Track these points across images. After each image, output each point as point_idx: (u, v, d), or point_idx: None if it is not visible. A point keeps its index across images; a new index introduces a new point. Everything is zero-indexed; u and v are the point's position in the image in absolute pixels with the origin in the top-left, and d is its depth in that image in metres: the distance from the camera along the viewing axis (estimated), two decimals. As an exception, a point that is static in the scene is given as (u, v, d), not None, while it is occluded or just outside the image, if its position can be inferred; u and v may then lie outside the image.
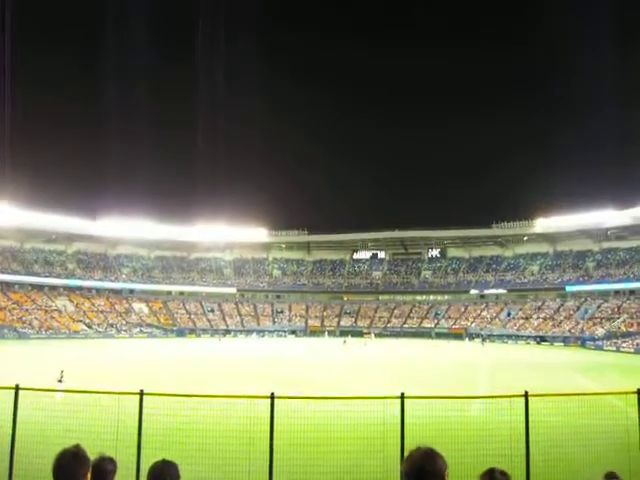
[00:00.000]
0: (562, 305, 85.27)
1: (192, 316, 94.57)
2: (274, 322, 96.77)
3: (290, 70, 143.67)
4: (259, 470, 8.90)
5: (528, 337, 79.27)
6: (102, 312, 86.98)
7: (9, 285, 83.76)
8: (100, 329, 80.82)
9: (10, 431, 9.25)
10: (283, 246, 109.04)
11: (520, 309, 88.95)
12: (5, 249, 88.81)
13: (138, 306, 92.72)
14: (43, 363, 36.10)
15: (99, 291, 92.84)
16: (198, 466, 8.58)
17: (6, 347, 52.84)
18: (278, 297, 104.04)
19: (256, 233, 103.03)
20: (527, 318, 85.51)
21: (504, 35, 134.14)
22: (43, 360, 39.07)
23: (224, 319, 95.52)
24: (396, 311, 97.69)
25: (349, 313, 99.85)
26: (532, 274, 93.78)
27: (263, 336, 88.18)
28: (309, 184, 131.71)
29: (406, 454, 2.83)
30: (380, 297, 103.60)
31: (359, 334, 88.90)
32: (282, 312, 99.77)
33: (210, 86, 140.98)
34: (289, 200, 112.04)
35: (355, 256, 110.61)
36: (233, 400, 9.93)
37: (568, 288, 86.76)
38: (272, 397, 8.93)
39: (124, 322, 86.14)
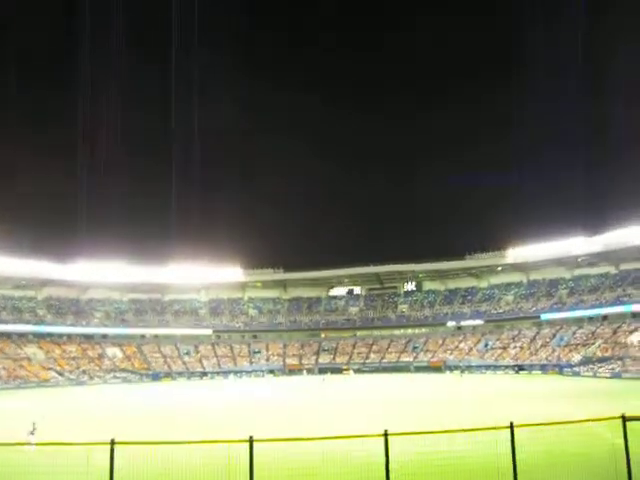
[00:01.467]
0: (538, 333, 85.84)
1: (167, 359, 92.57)
2: (251, 362, 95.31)
3: (259, 109, 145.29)
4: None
5: (506, 367, 79.39)
6: (74, 359, 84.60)
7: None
8: (72, 376, 78.43)
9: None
10: (259, 285, 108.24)
11: (497, 339, 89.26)
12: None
13: (112, 351, 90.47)
14: (13, 415, 34.74)
15: (71, 337, 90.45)
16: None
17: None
18: (255, 337, 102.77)
19: (231, 272, 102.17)
20: (504, 348, 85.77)
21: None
22: (13, 412, 37.61)
23: (200, 361, 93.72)
24: (374, 346, 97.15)
25: (327, 350, 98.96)
26: (507, 304, 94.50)
27: (241, 377, 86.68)
28: (283, 222, 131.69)
29: None
30: (358, 333, 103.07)
31: (338, 371, 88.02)
32: (259, 352, 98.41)
33: (184, 125, 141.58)
34: (264, 239, 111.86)
35: (331, 292, 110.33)
36: (210, 446, 9.54)
37: (543, 316, 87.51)
38: (251, 441, 8.59)
39: (97, 368, 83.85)
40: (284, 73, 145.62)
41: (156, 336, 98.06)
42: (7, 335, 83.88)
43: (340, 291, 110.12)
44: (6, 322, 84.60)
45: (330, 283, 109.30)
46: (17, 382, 71.44)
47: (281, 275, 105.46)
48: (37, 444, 15.40)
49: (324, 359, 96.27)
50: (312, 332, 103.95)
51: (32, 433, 20.48)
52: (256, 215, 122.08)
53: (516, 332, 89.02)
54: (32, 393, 59.69)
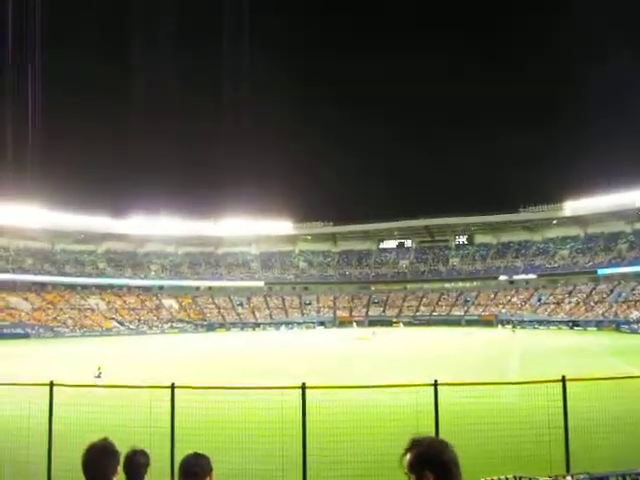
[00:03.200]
0: (594, 289, 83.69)
1: (221, 310, 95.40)
2: (302, 314, 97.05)
3: (309, 72, 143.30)
4: (292, 460, 8.86)
5: (560, 322, 78.03)
6: (133, 309, 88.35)
7: (43, 286, 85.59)
8: (132, 326, 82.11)
9: (47, 427, 9.36)
10: (309, 238, 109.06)
11: (551, 294, 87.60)
12: (37, 251, 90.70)
13: (168, 302, 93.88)
14: (83, 360, 36.83)
15: (130, 289, 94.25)
16: (231, 458, 8.56)
17: (44, 345, 54.01)
18: (306, 289, 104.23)
19: (282, 226, 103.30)
20: (558, 303, 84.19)
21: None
22: (82, 357, 39.86)
23: (253, 312, 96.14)
24: (424, 299, 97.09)
25: (377, 303, 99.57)
26: (562, 258, 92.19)
27: (292, 328, 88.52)
28: (333, 176, 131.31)
29: (410, 444, 2.57)
30: (408, 286, 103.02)
31: (388, 323, 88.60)
32: (310, 304, 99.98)
33: (234, 83, 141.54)
34: (314, 192, 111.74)
35: (381, 246, 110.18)
36: (264, 391, 9.90)
37: (600, 271, 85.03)
38: (303, 387, 8.86)
39: (155, 318, 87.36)
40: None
41: (210, 288, 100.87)
42: (72, 287, 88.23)
43: (390, 244, 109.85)
44: (70, 275, 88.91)
45: (380, 236, 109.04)
46: (83, 330, 75.38)
47: (331, 228, 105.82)
48: (104, 386, 16.37)
49: (374, 312, 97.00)
50: (362, 285, 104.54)
51: (98, 376, 21.66)
52: (306, 169, 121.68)
53: (571, 287, 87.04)
54: (97, 341, 62.86)
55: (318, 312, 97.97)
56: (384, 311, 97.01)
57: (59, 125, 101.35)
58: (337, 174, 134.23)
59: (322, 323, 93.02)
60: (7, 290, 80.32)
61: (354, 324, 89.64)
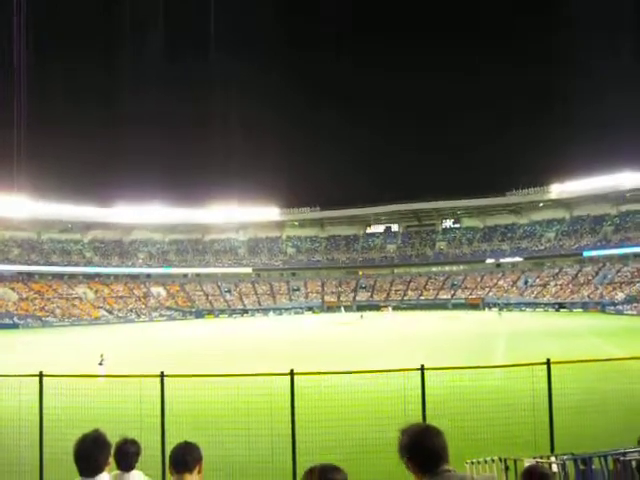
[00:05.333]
0: (580, 271, 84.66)
1: (209, 297, 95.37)
2: (291, 300, 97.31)
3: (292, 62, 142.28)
4: (282, 446, 8.97)
5: (546, 304, 78.93)
6: (121, 297, 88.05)
7: (30, 275, 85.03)
8: (120, 314, 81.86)
9: (38, 418, 9.40)
10: (296, 224, 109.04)
11: (537, 277, 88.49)
12: (24, 241, 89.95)
13: (156, 290, 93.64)
14: (80, 349, 36.92)
15: (117, 277, 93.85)
16: (221, 445, 8.65)
17: (33, 335, 53.75)
18: (293, 274, 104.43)
19: (269, 212, 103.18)
20: (545, 285, 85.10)
21: None
22: (79, 346, 39.89)
23: (241, 299, 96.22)
24: (412, 284, 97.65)
25: (365, 287, 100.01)
26: (548, 241, 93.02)
27: (280, 314, 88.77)
28: (319, 160, 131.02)
29: (404, 427, 2.78)
30: (395, 270, 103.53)
31: (376, 308, 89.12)
32: (298, 289, 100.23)
33: (222, 73, 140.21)
34: (300, 178, 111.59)
35: (368, 230, 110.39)
36: (253, 378, 9.98)
37: (586, 253, 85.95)
38: (292, 374, 8.95)
39: (143, 306, 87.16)
40: None
41: (198, 275, 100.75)
42: (59, 276, 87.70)
43: (377, 229, 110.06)
44: (57, 264, 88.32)
45: (367, 221, 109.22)
46: (71, 320, 75.02)
47: (318, 213, 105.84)
48: (92, 376, 16.41)
49: (362, 296, 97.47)
50: (350, 270, 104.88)
51: (101, 364, 21.72)
52: (293, 155, 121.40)
53: (557, 270, 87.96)
54: (86, 330, 62.65)
55: (306, 298, 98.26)
56: (372, 296, 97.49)
57: (44, 115, 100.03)
58: (323, 159, 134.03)
59: (310, 308, 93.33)
60: (-7, 280, 79.76)
61: (342, 309, 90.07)
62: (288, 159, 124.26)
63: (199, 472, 4.06)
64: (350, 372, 10.96)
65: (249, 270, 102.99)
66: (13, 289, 79.84)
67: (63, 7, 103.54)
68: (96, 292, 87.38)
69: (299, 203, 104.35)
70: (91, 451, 3.69)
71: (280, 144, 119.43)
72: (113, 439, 4.17)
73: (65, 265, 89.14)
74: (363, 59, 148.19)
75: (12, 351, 36.80)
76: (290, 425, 8.85)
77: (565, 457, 7.21)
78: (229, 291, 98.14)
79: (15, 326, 67.47)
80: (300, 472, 8.36)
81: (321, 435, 9.06)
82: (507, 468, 7.16)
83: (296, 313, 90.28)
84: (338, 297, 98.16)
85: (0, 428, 8.78)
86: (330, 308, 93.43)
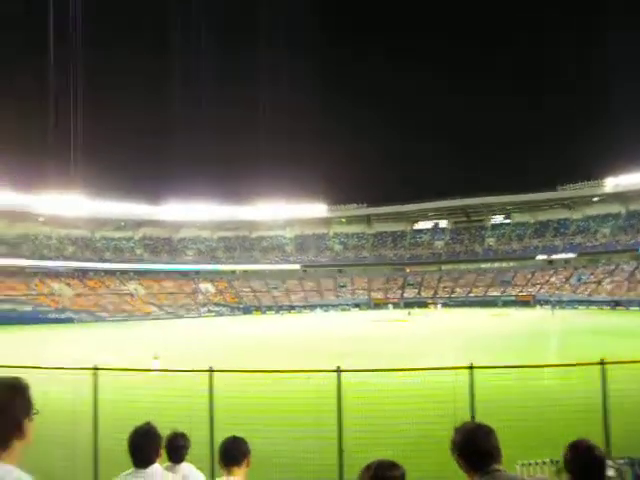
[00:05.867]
0: (637, 268, 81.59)
1: (257, 294, 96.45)
2: (337, 296, 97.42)
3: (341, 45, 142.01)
4: (328, 443, 8.99)
5: (601, 302, 76.40)
6: (171, 294, 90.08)
7: (84, 272, 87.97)
8: (170, 310, 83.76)
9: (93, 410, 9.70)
10: (343, 220, 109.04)
11: (591, 273, 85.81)
12: (79, 238, 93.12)
13: (204, 286, 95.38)
14: (127, 344, 37.90)
15: (167, 274, 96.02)
16: (268, 441, 8.74)
17: (88, 330, 55.62)
18: (340, 271, 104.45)
19: (316, 209, 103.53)
20: (599, 282, 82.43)
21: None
22: (126, 341, 41.01)
23: (288, 295, 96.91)
24: (460, 280, 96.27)
25: (412, 284, 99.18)
26: (604, 236, 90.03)
27: (327, 310, 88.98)
28: (367, 157, 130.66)
29: (457, 425, 2.83)
30: (443, 267, 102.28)
31: (424, 305, 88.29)
32: (345, 286, 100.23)
33: (268, 70, 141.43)
34: (347, 174, 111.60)
35: (416, 227, 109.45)
36: (300, 375, 10.03)
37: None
38: (338, 371, 8.95)
39: (192, 302, 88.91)
40: None
41: (245, 271, 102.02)
42: (112, 273, 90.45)
43: (425, 225, 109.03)
44: (110, 261, 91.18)
45: (415, 217, 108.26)
46: (123, 315, 77.25)
47: (365, 210, 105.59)
48: (147, 370, 16.87)
49: (409, 293, 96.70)
50: (397, 266, 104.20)
51: (155, 358, 22.26)
52: (340, 151, 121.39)
53: (612, 266, 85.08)
54: (137, 325, 64.36)
55: (353, 294, 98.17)
56: (419, 292, 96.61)
57: (99, 115, 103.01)
58: (371, 156, 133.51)
59: (357, 305, 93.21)
60: (51, 277, 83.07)
61: (389, 306, 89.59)
62: (335, 156, 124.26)
63: (247, 466, 4.15)
64: (398, 370, 10.88)
65: (296, 267, 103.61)
66: (69, 285, 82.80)
67: (117, 3, 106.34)
68: (147, 288, 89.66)
69: (346, 200, 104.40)
70: (143, 443, 3.84)
71: (327, 141, 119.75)
72: (164, 432, 4.27)
73: (117, 262, 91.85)
74: (406, 59, 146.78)
75: (68, 345, 38.10)
76: (337, 422, 8.86)
77: (622, 461, 6.97)
78: (276, 287, 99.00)
79: (70, 320, 69.96)
80: (347, 469, 8.36)
81: (368, 432, 9.04)
82: (559, 471, 6.98)
83: (343, 310, 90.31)
84: (385, 294, 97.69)
85: (56, 422, 9.09)
86: (377, 305, 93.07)
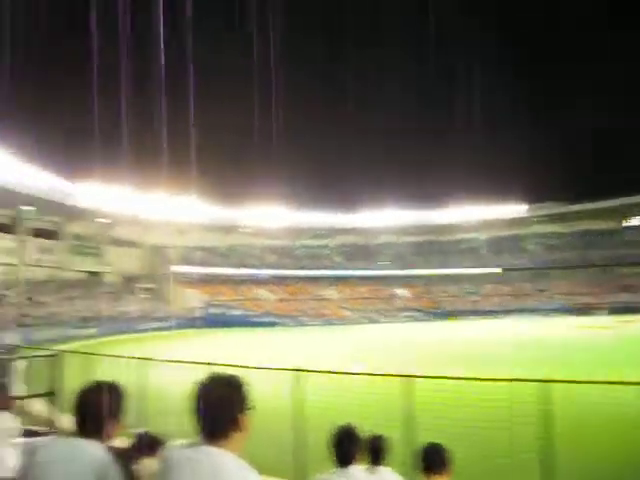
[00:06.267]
0: None
1: (453, 298, 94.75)
2: (537, 301, 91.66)
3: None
4: (535, 457, 8.44)
5: None
6: (367, 299, 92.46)
7: (285, 279, 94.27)
8: (366, 315, 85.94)
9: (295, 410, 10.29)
10: (542, 219, 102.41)
11: None
12: (280, 248, 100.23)
13: (400, 291, 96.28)
14: (329, 347, 39.81)
15: (363, 279, 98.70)
16: (468, 449, 8.47)
17: (293, 333, 59.34)
18: (540, 274, 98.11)
19: (511, 209, 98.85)
20: None
21: None
22: (328, 344, 43.06)
23: (485, 300, 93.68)
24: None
25: (623, 288, 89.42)
26: None
27: (526, 316, 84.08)
28: (566, 150, 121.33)
29: None
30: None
31: (636, 311, 79.06)
32: (545, 290, 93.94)
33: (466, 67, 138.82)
34: (545, 171, 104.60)
35: (626, 223, 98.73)
36: (499, 384, 9.58)
37: None
38: (544, 381, 8.36)
39: (388, 307, 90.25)
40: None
41: (441, 276, 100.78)
42: (310, 279, 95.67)
43: (637, 221, 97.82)
44: (308, 268, 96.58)
45: (624, 213, 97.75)
46: (322, 319, 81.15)
47: (566, 207, 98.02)
48: (359, 374, 17.54)
49: (618, 298, 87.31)
50: (604, 268, 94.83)
51: (358, 362, 23.09)
52: (535, 148, 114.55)
53: None
54: (337, 329, 67.01)
55: (554, 299, 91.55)
56: (631, 298, 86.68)
57: (296, 131, 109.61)
58: (570, 145, 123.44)
59: (558, 310, 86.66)
60: (255, 283, 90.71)
61: (595, 311, 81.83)
62: (529, 153, 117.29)
63: (448, 475, 4.06)
64: (618, 383, 9.87)
65: (492, 270, 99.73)
66: (271, 291, 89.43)
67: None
68: (343, 294, 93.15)
69: (544, 197, 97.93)
70: (344, 443, 3.99)
71: (520, 138, 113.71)
72: (365, 434, 4.38)
73: (315, 269, 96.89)
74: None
75: (275, 346, 40.93)
76: (547, 435, 8.27)
77: None
78: (472, 292, 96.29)
79: (273, 324, 75.32)
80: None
81: (583, 447, 8.32)
82: None
83: (544, 315, 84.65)
84: (590, 298, 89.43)
85: (267, 418, 9.79)
86: (581, 310, 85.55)
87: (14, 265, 62.31)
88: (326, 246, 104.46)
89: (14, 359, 14.50)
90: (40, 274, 65.61)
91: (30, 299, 55.95)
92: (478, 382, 10.03)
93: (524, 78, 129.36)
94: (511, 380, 8.87)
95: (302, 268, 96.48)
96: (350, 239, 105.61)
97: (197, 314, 72.85)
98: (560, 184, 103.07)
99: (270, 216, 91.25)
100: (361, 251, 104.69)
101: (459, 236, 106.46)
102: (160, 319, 67.67)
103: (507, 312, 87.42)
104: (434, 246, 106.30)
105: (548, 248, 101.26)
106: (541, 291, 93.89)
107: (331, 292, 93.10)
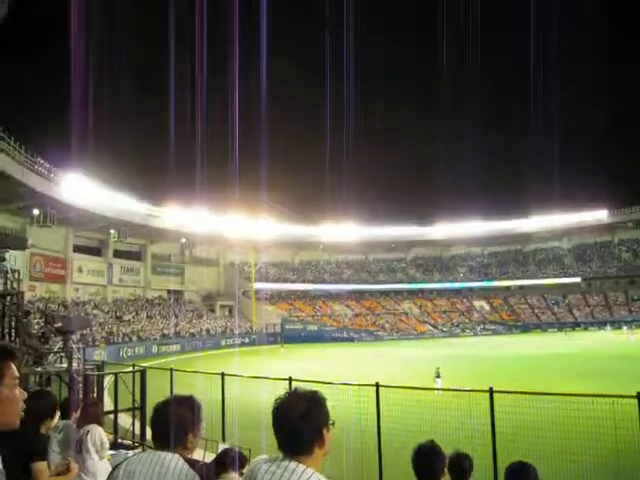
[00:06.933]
0: None
1: (535, 310, 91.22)
2: (630, 311, 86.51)
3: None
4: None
5: None
6: (445, 312, 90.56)
7: (361, 293, 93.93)
8: (445, 328, 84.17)
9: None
10: (630, 225, 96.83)
11: None
12: (355, 262, 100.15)
13: (478, 304, 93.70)
14: (407, 362, 39.32)
15: (439, 292, 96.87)
16: (558, 470, 8.09)
17: (370, 348, 58.94)
18: (632, 283, 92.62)
19: (595, 215, 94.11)
20: None
21: None
22: (406, 359, 42.52)
23: (571, 311, 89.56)
24: None
25: None
26: None
27: (619, 327, 79.52)
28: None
29: None
30: None
31: None
32: (639, 299, 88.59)
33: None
34: (630, 173, 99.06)
35: None
36: (592, 399, 9.11)
37: None
38: (639, 397, 7.88)
39: (467, 320, 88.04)
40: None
41: (521, 287, 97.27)
42: (386, 293, 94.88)
43: None
44: (384, 282, 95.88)
45: None
46: (399, 334, 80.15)
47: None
48: (442, 389, 17.29)
49: None
50: None
51: (438, 377, 22.66)
52: (622, 146, 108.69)
53: None
54: (415, 343, 65.98)
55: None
56: None
57: (367, 148, 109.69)
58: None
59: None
60: (331, 299, 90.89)
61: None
62: (610, 155, 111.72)
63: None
64: None
65: (577, 279, 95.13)
66: (347, 306, 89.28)
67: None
68: (420, 307, 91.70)
69: (632, 201, 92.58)
70: (428, 460, 3.90)
71: (601, 140, 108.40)
72: (447, 450, 4.27)
73: (391, 283, 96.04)
74: None
75: (355, 361, 40.77)
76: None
77: None
78: (556, 303, 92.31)
79: (351, 339, 74.98)
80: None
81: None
82: None
83: (638, 327, 79.78)
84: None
85: (346, 432, 9.76)
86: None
87: (102, 285, 65.79)
88: (401, 259, 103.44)
89: (103, 375, 15.25)
90: (125, 293, 68.83)
91: (118, 317, 58.64)
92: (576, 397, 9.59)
93: (602, 79, 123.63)
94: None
95: (378, 282, 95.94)
96: (425, 252, 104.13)
97: (275, 330, 73.82)
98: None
99: (343, 232, 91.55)
100: (437, 263, 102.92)
101: (539, 245, 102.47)
102: (239, 335, 69.12)
103: (597, 323, 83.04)
104: (513, 256, 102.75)
105: (639, 254, 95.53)
106: (635, 300, 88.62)
107: (408, 305, 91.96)
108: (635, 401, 7.86)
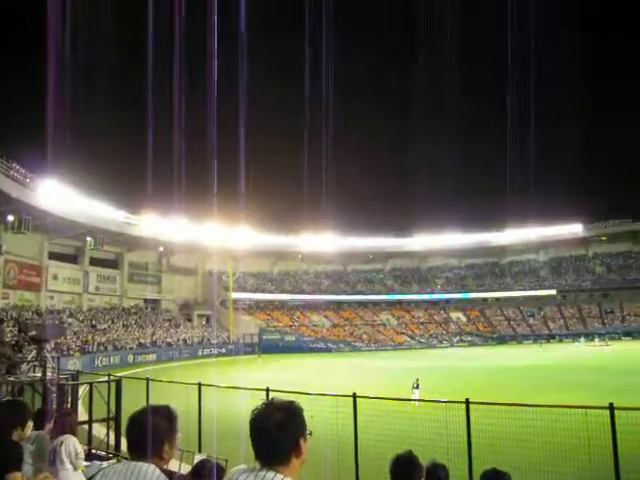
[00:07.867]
0: None
1: (511, 322, 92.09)
2: (604, 324, 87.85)
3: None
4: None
5: None
6: (422, 323, 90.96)
7: (339, 304, 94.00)
8: (422, 340, 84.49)
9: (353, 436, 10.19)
10: (604, 238, 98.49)
11: None
12: (333, 273, 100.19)
13: (455, 315, 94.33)
14: (385, 373, 39.35)
15: (417, 303, 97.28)
16: (529, 479, 8.17)
17: (348, 358, 58.94)
18: (605, 296, 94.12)
19: (570, 228, 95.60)
20: None
21: None
22: (384, 370, 42.56)
23: (546, 323, 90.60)
24: None
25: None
26: None
27: (592, 339, 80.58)
28: (627, 164, 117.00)
29: None
30: None
31: None
32: (612, 312, 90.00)
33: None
34: (605, 188, 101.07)
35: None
36: (566, 410, 9.24)
37: None
38: (611, 408, 8.01)
39: (444, 332, 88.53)
40: None
41: (497, 299, 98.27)
42: (364, 304, 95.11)
43: None
44: (362, 292, 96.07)
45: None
46: (377, 345, 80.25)
47: (629, 225, 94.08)
48: (420, 400, 17.32)
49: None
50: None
51: (416, 388, 22.67)
52: (594, 163, 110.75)
53: None
54: (393, 354, 66.17)
55: (623, 321, 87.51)
56: None
57: (346, 160, 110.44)
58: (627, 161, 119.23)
59: (629, 333, 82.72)
60: (310, 309, 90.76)
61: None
62: (585, 170, 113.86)
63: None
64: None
65: (553, 292, 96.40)
66: (326, 317, 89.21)
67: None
68: (398, 318, 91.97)
69: (605, 216, 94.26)
70: (406, 470, 3.92)
71: (578, 156, 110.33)
72: (423, 461, 4.30)
73: (369, 294, 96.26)
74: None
75: (332, 374, 40.72)
76: (613, 463, 7.89)
77: None
78: (532, 315, 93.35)
79: (329, 350, 74.87)
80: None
81: None
82: None
83: (611, 339, 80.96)
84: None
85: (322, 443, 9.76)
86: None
87: (78, 293, 64.81)
88: (379, 270, 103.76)
89: (77, 385, 15.01)
90: (100, 302, 67.91)
91: (93, 326, 57.80)
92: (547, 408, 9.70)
93: (581, 91, 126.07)
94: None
95: (356, 293, 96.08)
96: (403, 263, 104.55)
97: (253, 340, 73.38)
98: (620, 201, 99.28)
99: (321, 242, 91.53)
100: (415, 275, 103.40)
101: (516, 258, 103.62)
102: (217, 345, 68.55)
103: (572, 335, 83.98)
104: (490, 268, 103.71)
105: (612, 268, 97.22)
106: (608, 312, 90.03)
107: (386, 317, 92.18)
108: (608, 412, 7.98)
